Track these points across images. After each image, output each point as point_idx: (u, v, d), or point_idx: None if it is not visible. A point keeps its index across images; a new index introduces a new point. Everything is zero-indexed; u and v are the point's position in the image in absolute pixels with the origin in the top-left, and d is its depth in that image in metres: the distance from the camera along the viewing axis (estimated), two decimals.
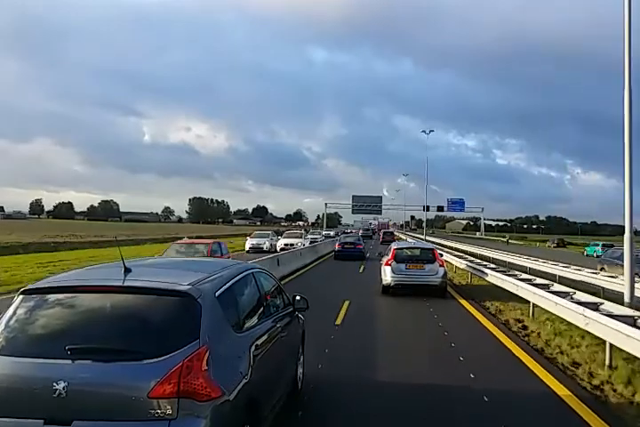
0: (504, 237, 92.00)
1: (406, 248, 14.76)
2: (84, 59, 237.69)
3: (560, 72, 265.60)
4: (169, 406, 2.84)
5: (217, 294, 3.50)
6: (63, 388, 2.85)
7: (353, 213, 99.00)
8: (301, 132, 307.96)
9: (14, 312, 3.26)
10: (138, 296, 3.28)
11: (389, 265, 13.73)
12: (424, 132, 52.84)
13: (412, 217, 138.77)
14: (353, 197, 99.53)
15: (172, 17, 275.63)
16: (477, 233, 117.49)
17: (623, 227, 9.99)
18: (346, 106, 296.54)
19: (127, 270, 3.55)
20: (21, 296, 3.35)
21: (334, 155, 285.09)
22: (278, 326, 4.62)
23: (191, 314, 3.18)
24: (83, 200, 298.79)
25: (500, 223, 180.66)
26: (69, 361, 2.96)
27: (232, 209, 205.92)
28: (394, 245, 14.89)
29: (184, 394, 2.87)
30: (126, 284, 3.36)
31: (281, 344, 4.58)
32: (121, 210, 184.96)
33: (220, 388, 3.01)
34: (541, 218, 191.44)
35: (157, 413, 2.83)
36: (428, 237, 52.55)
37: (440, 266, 13.70)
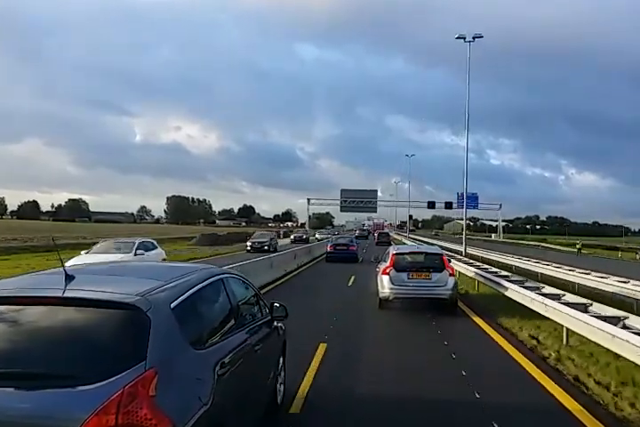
0: (555, 242, 75.60)
1: (408, 253, 12.16)
2: (70, 55, 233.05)
3: (558, 70, 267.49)
4: None
5: (173, 305, 3.01)
6: None
7: (342, 210, 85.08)
8: (294, 133, 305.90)
9: None
10: (76, 309, 2.77)
11: (387, 274, 11.24)
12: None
13: (411, 217, 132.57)
14: (342, 191, 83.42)
15: (163, 15, 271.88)
16: (493, 235, 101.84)
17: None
18: (338, 105, 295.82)
19: (69, 278, 3.05)
20: None
21: (327, 155, 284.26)
22: (253, 338, 4.13)
23: (138, 330, 2.69)
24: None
25: (503, 224, 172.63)
26: None
27: (217, 209, 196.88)
28: (393, 250, 12.30)
29: None
30: (60, 294, 2.85)
31: (256, 359, 4.09)
32: (92, 210, 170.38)
33: (170, 419, 2.50)
34: (542, 218, 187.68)
35: None
36: (430, 241, 47.52)
37: (450, 275, 11.31)
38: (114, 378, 2.48)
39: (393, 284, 11.10)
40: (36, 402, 2.44)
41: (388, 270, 11.31)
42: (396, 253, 11.79)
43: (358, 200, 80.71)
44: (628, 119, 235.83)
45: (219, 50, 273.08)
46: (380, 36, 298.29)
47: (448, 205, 75.75)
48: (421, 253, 12.28)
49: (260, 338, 4.36)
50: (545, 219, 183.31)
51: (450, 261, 12.67)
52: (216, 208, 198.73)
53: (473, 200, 75.57)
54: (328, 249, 27.50)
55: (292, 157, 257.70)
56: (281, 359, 5.31)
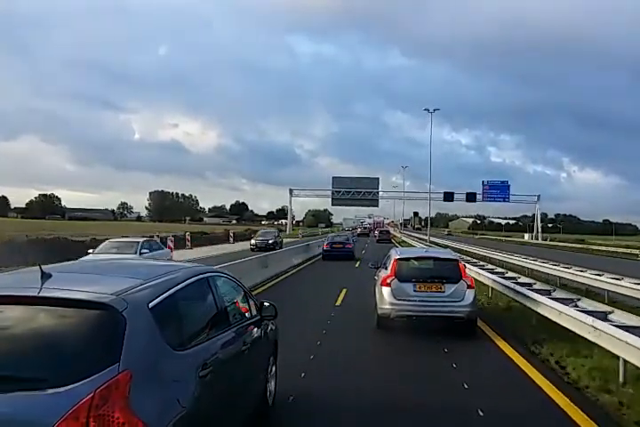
0: (581, 240, 60.23)
1: (414, 258, 9.66)
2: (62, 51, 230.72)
3: (560, 65, 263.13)
4: None
5: (151, 304, 2.91)
6: None
7: (334, 203, 69.54)
8: (293, 130, 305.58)
9: None
10: (49, 309, 2.68)
11: (388, 285, 8.89)
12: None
13: (416, 213, 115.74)
14: (333, 180, 67.19)
15: (159, 11, 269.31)
16: (526, 236, 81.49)
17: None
18: (336, 102, 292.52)
19: (45, 276, 2.96)
20: None
21: (327, 152, 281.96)
22: (239, 338, 4.04)
23: (113, 331, 2.60)
24: (76, 198, 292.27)
25: (511, 222, 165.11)
26: None
27: (206, 205, 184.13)
28: (395, 254, 9.73)
29: None
30: (35, 293, 2.76)
31: (243, 359, 4.00)
32: (68, 206, 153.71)
33: (145, 423, 2.41)
34: (550, 216, 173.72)
35: None
36: (437, 241, 41.85)
37: (468, 287, 8.87)
38: (85, 380, 2.39)
39: (395, 298, 8.79)
40: (6, 406, 2.34)
41: (389, 281, 8.96)
42: (400, 259, 9.32)
43: (355, 191, 64.29)
44: (631, 115, 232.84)
45: (214, 46, 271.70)
46: (377, 29, 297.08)
47: (470, 197, 60.47)
48: (430, 257, 9.75)
49: (248, 338, 4.27)
50: (553, 216, 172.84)
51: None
52: (211, 205, 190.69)
53: (503, 190, 61.97)
54: (324, 247, 27.76)
55: (291, 155, 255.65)
56: (272, 360, 5.21)
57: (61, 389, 2.36)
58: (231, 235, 47.09)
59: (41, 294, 2.76)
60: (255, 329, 4.58)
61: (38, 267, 3.02)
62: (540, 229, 74.51)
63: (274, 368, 5.29)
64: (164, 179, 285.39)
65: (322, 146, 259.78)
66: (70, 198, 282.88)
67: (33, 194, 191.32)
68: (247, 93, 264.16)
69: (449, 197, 61.44)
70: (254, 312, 4.73)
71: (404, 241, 58.90)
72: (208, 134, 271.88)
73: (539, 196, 74.53)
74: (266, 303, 4.87)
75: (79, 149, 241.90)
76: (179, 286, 3.36)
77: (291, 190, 73.74)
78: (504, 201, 64.74)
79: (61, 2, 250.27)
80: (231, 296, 4.38)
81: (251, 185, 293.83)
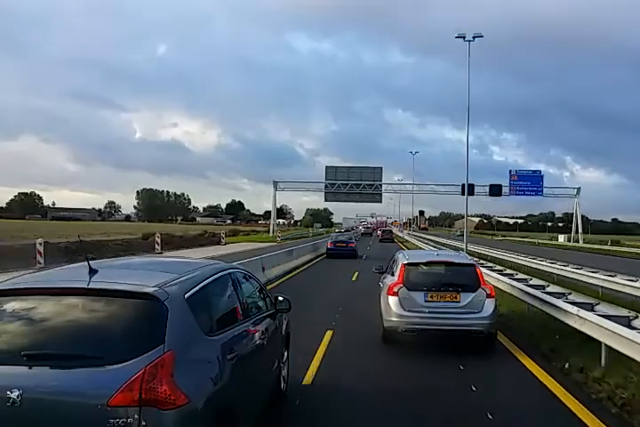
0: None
1: (425, 263, 8.49)
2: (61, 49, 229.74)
3: (561, 63, 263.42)
4: (130, 416, 2.69)
5: (186, 295, 3.35)
6: (17, 396, 2.68)
7: (327, 199, 58.88)
8: (293, 129, 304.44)
9: None
10: (101, 299, 3.14)
11: (396, 294, 7.84)
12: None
13: (421, 212, 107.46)
14: (327, 170, 57.04)
15: (158, 9, 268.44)
16: (560, 237, 70.51)
17: None
18: (336, 100, 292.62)
19: (92, 271, 3.39)
20: None
21: (327, 151, 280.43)
22: (258, 328, 4.49)
23: (157, 318, 3.04)
24: (79, 199, 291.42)
25: (520, 221, 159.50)
26: (25, 368, 2.81)
27: (202, 205, 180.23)
28: (402, 258, 8.61)
29: (147, 402, 2.72)
30: (89, 286, 3.20)
31: (261, 347, 4.44)
32: (51, 206, 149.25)
33: (187, 395, 2.85)
34: (558, 215, 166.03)
35: (118, 422, 2.67)
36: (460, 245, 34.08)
37: (488, 296, 7.79)
38: (137, 359, 2.83)
39: (404, 309, 7.76)
40: (68, 380, 2.79)
41: (396, 289, 7.90)
42: (408, 264, 8.21)
43: (353, 183, 54.99)
44: (635, 113, 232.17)
45: (214, 45, 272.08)
46: (376, 27, 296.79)
47: (495, 190, 49.54)
48: (442, 262, 8.58)
49: (265, 328, 4.71)
50: (561, 215, 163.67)
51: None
52: (206, 204, 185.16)
53: (535, 182, 50.76)
54: (328, 246, 28.93)
55: (291, 153, 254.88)
56: (284, 350, 5.65)
57: (117, 366, 2.81)
58: (222, 236, 40.90)
59: (97, 286, 3.20)
60: (270, 321, 5.01)
61: (87, 262, 3.46)
62: (580, 230, 60.32)
63: (286, 360, 5.74)
64: (163, 178, 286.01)
65: (322, 145, 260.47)
66: (71, 198, 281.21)
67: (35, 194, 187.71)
68: (247, 92, 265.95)
69: (468, 190, 48.92)
70: (269, 306, 5.16)
71: (407, 240, 54.72)
72: (207, 133, 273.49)
73: (578, 189, 60.40)
74: (280, 298, 5.27)
75: (79, 149, 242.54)
76: (207, 280, 3.81)
77: (275, 183, 59.93)
78: (536, 195, 52.68)
79: (61, 0, 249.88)
80: (250, 290, 4.83)
81: (250, 184, 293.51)
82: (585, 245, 51.99)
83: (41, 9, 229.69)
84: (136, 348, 2.89)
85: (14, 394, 2.68)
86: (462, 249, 26.03)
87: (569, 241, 61.42)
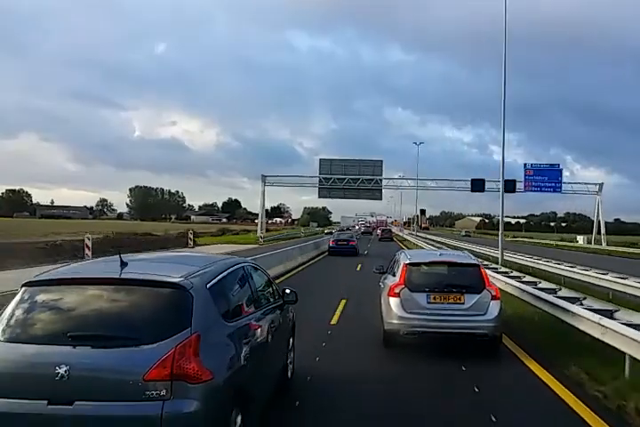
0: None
1: (427, 263, 8.34)
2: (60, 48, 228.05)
3: (561, 61, 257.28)
4: (163, 388, 3.11)
5: (208, 285, 3.78)
6: (65, 371, 3.10)
7: (321, 195, 54.00)
8: (293, 127, 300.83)
9: (18, 303, 3.51)
10: (134, 288, 3.55)
11: (397, 295, 7.65)
12: None
13: (422, 211, 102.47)
14: (321, 162, 52.95)
15: (157, 8, 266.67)
16: (579, 238, 63.43)
17: None
18: (336, 99, 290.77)
19: (123, 264, 3.80)
20: (24, 288, 3.59)
21: (327, 150, 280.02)
22: (268, 317, 4.91)
23: (184, 304, 3.46)
24: (79, 198, 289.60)
25: (522, 221, 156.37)
26: (71, 347, 3.23)
27: (197, 203, 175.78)
28: (404, 258, 8.37)
29: (177, 377, 3.15)
30: (123, 276, 3.62)
31: (270, 334, 4.84)
32: (40, 203, 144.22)
33: (211, 371, 3.28)
34: (560, 215, 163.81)
35: (152, 394, 3.10)
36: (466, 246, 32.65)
37: (493, 298, 7.60)
38: (168, 340, 3.26)
39: (405, 311, 7.55)
40: (108, 357, 3.22)
41: (397, 290, 7.71)
42: (410, 264, 8.01)
43: (350, 178, 50.82)
44: (636, 112, 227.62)
45: (213, 43, 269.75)
46: (375, 24, 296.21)
47: (509, 186, 38.25)
48: (447, 262, 8.31)
49: (274, 318, 5.14)
50: (563, 215, 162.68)
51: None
52: (202, 202, 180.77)
53: (553, 177, 46.23)
54: (330, 244, 29.93)
55: (290, 152, 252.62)
56: (291, 339, 6.06)
57: (150, 345, 3.24)
58: (190, 237, 36.56)
59: (127, 277, 3.63)
60: (279, 311, 5.44)
61: (118, 256, 3.87)
62: (603, 231, 55.29)
63: (292, 348, 6.15)
64: (163, 177, 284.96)
65: (322, 143, 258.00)
66: (72, 197, 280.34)
67: (34, 192, 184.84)
68: (246, 91, 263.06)
69: (478, 185, 46.65)
70: (277, 297, 5.59)
71: (406, 239, 52.95)
72: (207, 132, 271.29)
73: (601, 185, 54.43)
74: (287, 290, 5.70)
75: (78, 148, 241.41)
76: (225, 273, 4.26)
77: (263, 177, 55.62)
78: (554, 191, 47.91)
79: (61, 0, 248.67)
80: (261, 283, 5.27)
81: (250, 183, 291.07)
82: (611, 248, 46.68)
83: (41, 9, 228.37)
84: (166, 330, 3.31)
85: (62, 369, 3.10)
86: (497, 256, 22.63)
87: (589, 243, 56.79)
